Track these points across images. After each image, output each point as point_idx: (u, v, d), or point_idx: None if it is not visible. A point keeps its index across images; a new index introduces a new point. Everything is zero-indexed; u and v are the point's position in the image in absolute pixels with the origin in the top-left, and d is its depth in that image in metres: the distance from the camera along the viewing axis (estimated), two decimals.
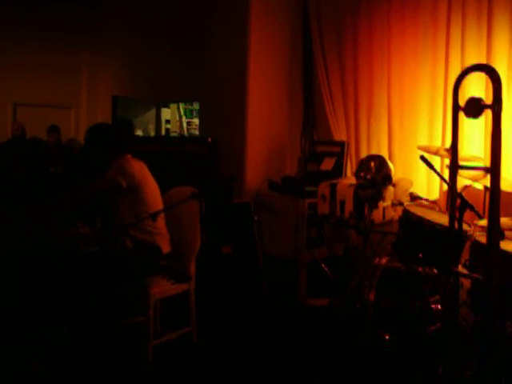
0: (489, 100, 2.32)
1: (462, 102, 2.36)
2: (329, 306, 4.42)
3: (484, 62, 5.01)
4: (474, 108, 2.16)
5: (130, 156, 3.90)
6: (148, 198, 3.83)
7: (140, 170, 3.87)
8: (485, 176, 4.23)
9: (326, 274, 4.59)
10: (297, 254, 5.09)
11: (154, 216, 3.40)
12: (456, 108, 2.23)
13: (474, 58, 5.05)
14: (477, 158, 4.68)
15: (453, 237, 2.59)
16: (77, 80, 9.25)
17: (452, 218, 2.38)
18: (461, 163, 3.87)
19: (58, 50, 8.78)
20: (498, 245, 2.36)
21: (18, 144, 7.40)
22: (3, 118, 8.58)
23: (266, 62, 5.92)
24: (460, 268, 3.38)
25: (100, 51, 8.71)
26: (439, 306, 3.43)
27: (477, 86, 4.83)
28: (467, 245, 3.54)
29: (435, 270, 3.48)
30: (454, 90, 2.25)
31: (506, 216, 3.72)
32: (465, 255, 3.54)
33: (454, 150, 2.26)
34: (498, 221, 2.27)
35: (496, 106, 2.09)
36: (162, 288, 3.74)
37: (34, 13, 8.48)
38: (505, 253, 3.13)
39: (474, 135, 5.02)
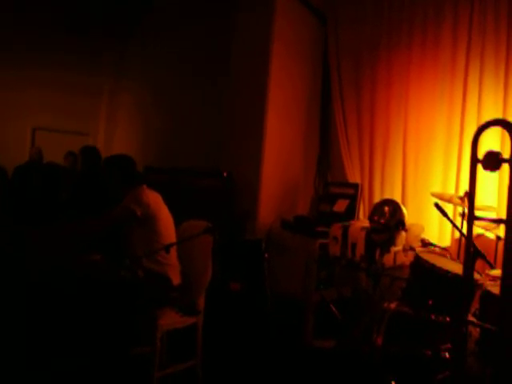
0: (505, 152, 2.35)
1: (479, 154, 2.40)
2: (335, 348, 4.40)
3: (500, 112, 5.09)
4: (492, 162, 2.19)
5: (145, 186, 3.95)
6: (162, 229, 3.86)
7: (155, 200, 3.91)
8: (497, 226, 4.24)
9: (334, 316, 4.57)
10: (305, 294, 5.08)
11: (167, 248, 3.43)
12: (474, 161, 2.27)
13: (491, 108, 5.12)
14: (490, 208, 4.70)
15: (465, 286, 2.59)
16: (96, 107, 9.35)
17: (467, 268, 2.39)
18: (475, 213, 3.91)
19: (79, 76, 8.88)
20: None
21: (35, 168, 7.48)
22: (22, 141, 8.68)
23: (283, 101, 5.99)
24: (469, 317, 3.37)
25: (121, 78, 8.83)
26: (447, 355, 3.41)
27: (493, 138, 4.88)
28: (478, 294, 3.52)
29: (446, 318, 3.46)
30: (472, 143, 2.28)
31: None
32: (474, 304, 3.53)
33: (470, 202, 2.28)
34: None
35: None
36: (171, 320, 3.74)
37: (56, 37, 8.58)
38: None
39: (488, 185, 5.04)
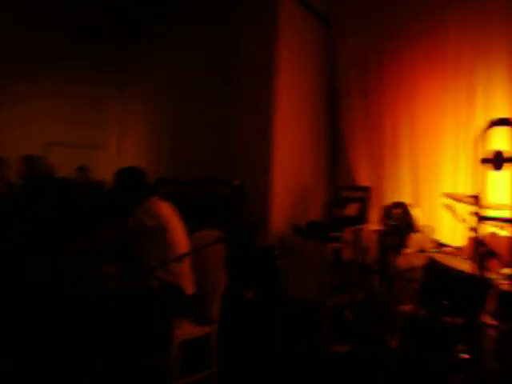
0: None
1: (486, 152, 2.40)
2: (351, 353, 4.39)
3: (507, 106, 5.06)
4: (497, 161, 2.19)
5: (157, 198, 3.97)
6: (174, 240, 3.87)
7: (167, 211, 3.93)
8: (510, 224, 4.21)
9: (349, 321, 4.57)
10: (320, 299, 5.07)
11: (179, 258, 3.45)
12: (479, 161, 2.27)
13: (498, 104, 5.10)
14: (503, 206, 4.66)
15: (475, 285, 2.59)
16: (105, 119, 9.38)
17: (475, 266, 2.39)
18: (486, 211, 3.91)
19: (86, 88, 8.89)
20: None
21: (47, 183, 7.51)
22: None
23: (291, 108, 6.00)
24: (486, 317, 3.36)
25: (130, 89, 8.86)
26: (464, 356, 3.39)
27: (502, 135, 4.85)
28: (494, 293, 3.50)
29: (460, 319, 3.45)
30: (476, 144, 2.29)
31: None
32: (491, 303, 3.51)
33: (477, 202, 2.29)
34: None
35: None
36: (186, 330, 3.75)
37: (67, 52, 8.62)
38: None
39: (501, 182, 5.00)
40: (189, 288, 3.90)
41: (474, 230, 2.36)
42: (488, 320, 3.32)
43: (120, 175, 4.11)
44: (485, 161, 2.26)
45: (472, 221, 4.46)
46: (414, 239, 4.60)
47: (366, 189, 5.84)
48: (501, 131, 4.78)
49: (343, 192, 6.09)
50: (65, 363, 3.53)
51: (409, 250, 4.54)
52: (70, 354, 3.53)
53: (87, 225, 4.87)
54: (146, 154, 8.09)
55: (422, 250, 4.42)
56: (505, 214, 4.63)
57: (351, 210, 5.73)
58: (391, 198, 5.77)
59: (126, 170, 4.17)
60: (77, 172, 7.86)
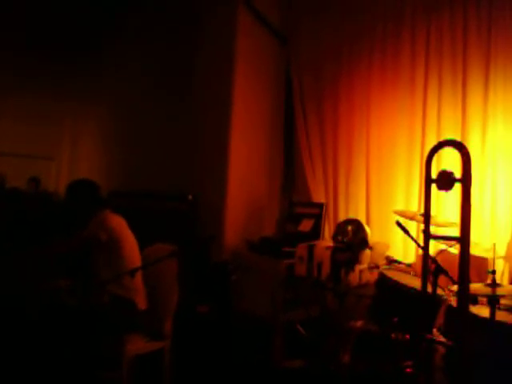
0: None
1: (437, 170, 2.46)
2: (304, 368, 4.40)
3: (459, 128, 5.18)
4: (446, 181, 2.25)
5: (109, 211, 3.94)
6: (126, 253, 3.84)
7: (119, 224, 3.91)
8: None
9: (301, 336, 4.58)
10: (273, 314, 5.07)
11: (132, 272, 3.41)
12: (428, 181, 2.32)
13: (450, 124, 5.22)
14: (452, 224, 4.77)
15: (425, 301, 2.64)
16: (59, 132, 9.25)
17: (424, 284, 2.43)
18: (436, 229, 3.99)
19: (43, 100, 8.79)
20: (468, 310, 2.41)
21: None
22: None
23: (247, 123, 6.01)
24: (434, 332, 3.41)
25: (85, 102, 8.75)
26: (413, 370, 3.44)
27: (454, 153, 4.96)
28: (443, 309, 3.57)
29: (409, 335, 3.50)
30: (426, 164, 2.35)
31: (480, 281, 3.78)
32: (440, 319, 3.57)
33: (426, 221, 2.34)
34: (468, 288, 2.33)
35: (465, 181, 2.19)
36: (138, 345, 3.71)
37: (20, 61, 8.49)
38: (477, 318, 3.18)
39: (451, 200, 5.12)
40: (141, 303, 3.87)
41: (424, 247, 2.41)
42: (437, 336, 3.38)
43: (73, 187, 4.07)
44: (432, 180, 2.32)
45: (422, 238, 4.58)
46: (367, 255, 4.66)
47: (320, 205, 5.88)
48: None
49: (297, 208, 6.11)
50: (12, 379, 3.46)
51: (361, 267, 4.59)
52: (17, 368, 3.46)
53: (38, 237, 4.79)
54: (99, 166, 7.99)
55: (374, 267, 4.48)
56: (454, 232, 4.76)
57: (305, 226, 5.76)
58: (346, 214, 5.83)
59: (79, 183, 4.13)
60: (29, 183, 7.76)
